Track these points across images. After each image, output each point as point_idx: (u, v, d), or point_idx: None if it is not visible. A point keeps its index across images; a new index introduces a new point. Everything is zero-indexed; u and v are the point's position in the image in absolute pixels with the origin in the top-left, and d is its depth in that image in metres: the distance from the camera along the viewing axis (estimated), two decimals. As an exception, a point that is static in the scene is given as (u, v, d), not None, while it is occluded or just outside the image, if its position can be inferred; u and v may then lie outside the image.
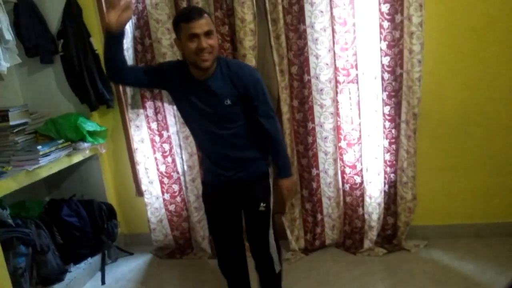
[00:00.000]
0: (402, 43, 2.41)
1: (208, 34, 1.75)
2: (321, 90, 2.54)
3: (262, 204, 1.97)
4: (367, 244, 2.72)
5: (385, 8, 2.38)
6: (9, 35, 2.46)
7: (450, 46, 2.49)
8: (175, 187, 2.91)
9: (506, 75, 2.49)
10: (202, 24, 1.73)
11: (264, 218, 2.00)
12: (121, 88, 2.88)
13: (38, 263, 2.42)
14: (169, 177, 2.89)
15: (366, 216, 2.70)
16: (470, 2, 2.41)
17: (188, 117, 1.99)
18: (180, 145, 2.79)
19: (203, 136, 1.98)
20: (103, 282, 2.73)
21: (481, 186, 2.68)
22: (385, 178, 2.68)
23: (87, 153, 2.74)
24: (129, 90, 2.78)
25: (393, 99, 2.53)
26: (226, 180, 1.99)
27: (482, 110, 2.56)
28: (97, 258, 2.84)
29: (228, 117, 1.88)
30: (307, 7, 2.42)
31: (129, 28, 2.65)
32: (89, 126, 2.70)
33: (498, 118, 2.56)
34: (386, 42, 2.44)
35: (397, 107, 2.54)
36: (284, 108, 2.60)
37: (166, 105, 2.75)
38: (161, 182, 2.91)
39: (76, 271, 2.66)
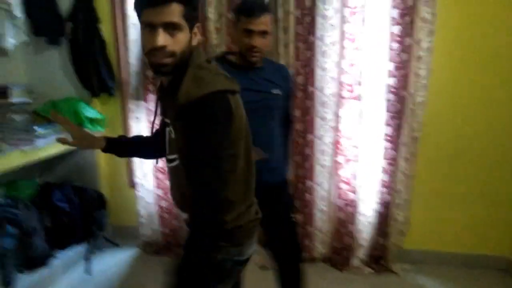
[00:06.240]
0: (409, 66, 2.39)
1: (263, 33, 1.71)
2: (324, 103, 2.53)
3: None
4: (355, 262, 2.70)
5: (396, 29, 2.37)
6: (18, 12, 2.45)
7: (455, 74, 2.48)
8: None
9: (508, 111, 2.49)
10: (260, 23, 1.69)
11: None
12: (124, 77, 2.88)
13: (24, 245, 2.40)
14: (164, 172, 2.88)
15: (356, 234, 2.68)
16: (479, 36, 2.40)
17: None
18: (178, 142, 2.77)
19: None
20: (87, 272, 2.72)
21: (475, 216, 2.66)
22: (379, 198, 2.67)
23: (84, 140, 2.71)
24: (133, 81, 2.77)
25: (395, 120, 2.52)
26: None
27: (482, 141, 2.55)
28: (83, 246, 2.82)
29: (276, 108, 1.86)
30: (318, 19, 2.41)
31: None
32: (89, 112, 2.69)
33: (497, 151, 2.55)
34: (394, 63, 2.42)
35: (398, 128, 2.52)
36: (285, 117, 2.58)
37: (168, 100, 2.73)
38: (156, 177, 2.90)
39: (61, 258, 2.65)
